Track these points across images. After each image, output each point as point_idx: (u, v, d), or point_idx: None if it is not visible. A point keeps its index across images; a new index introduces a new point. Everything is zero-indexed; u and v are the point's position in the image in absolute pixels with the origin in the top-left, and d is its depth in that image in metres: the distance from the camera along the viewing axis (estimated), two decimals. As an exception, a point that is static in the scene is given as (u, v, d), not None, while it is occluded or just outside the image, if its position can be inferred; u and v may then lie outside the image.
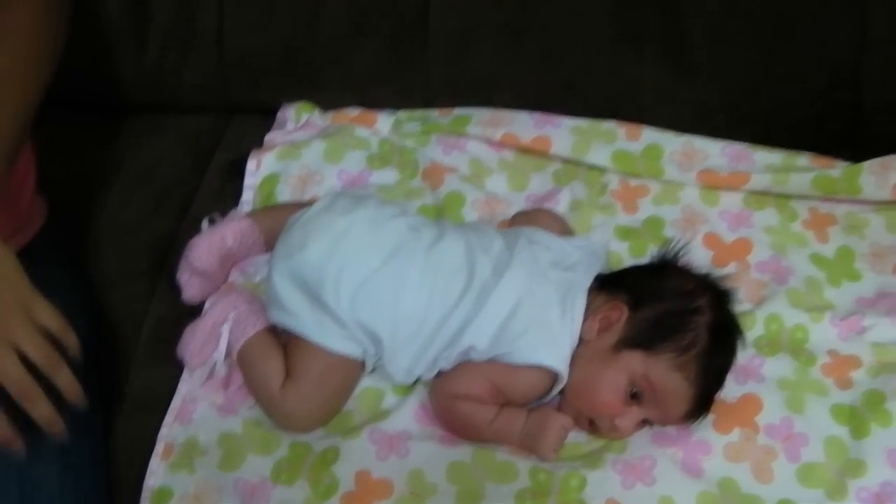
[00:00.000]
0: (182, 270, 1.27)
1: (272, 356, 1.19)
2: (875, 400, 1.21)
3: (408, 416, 1.20)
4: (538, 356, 1.16)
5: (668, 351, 1.15)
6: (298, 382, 1.17)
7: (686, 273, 1.23)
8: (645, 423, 1.18)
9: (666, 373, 1.14)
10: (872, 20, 1.44)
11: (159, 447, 1.19)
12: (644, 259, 1.32)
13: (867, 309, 1.30)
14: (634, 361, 1.15)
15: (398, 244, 1.20)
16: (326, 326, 1.17)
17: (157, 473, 1.17)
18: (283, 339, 1.21)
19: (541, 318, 1.17)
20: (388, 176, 1.42)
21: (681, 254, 1.26)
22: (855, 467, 1.16)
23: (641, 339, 1.16)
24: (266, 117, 1.49)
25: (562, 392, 1.19)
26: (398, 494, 1.13)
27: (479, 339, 1.16)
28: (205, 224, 1.30)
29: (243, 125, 1.52)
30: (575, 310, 1.19)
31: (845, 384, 1.23)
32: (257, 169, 1.42)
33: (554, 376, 1.17)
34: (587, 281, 1.22)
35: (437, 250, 1.21)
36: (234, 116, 1.54)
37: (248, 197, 1.40)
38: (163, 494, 1.15)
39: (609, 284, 1.22)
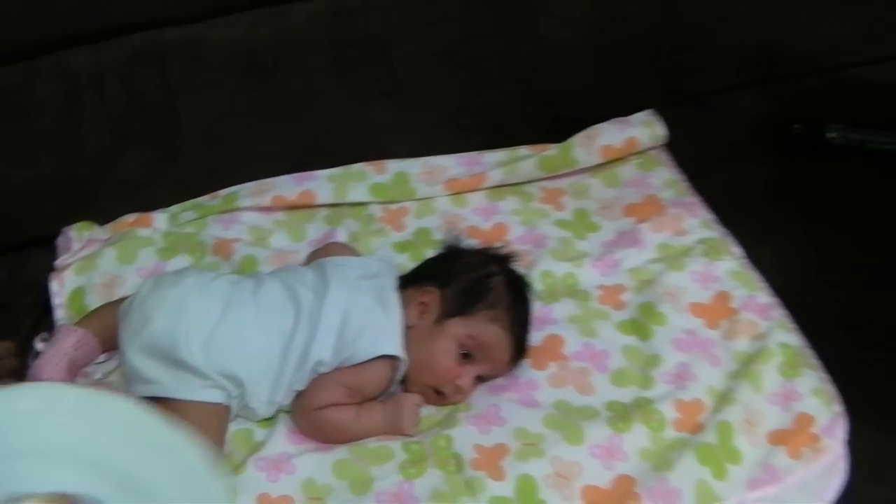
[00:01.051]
0: None
1: None
2: (647, 309, 1.48)
3: (281, 441, 1.32)
4: (377, 348, 1.33)
5: (480, 310, 1.36)
6: None
7: (471, 250, 1.46)
8: (479, 379, 1.37)
9: (485, 327, 1.35)
10: (543, 34, 1.75)
11: None
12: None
13: (614, 248, 1.57)
14: (457, 327, 1.35)
15: (227, 297, 1.34)
16: (189, 383, 1.28)
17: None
18: None
19: (369, 319, 1.35)
20: (182, 261, 1.53)
21: (459, 240, 1.48)
22: (652, 361, 1.41)
23: (456, 307, 1.36)
24: (49, 247, 1.56)
25: (405, 378, 1.37)
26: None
27: (324, 353, 1.32)
28: (39, 345, 1.36)
29: (31, 261, 1.57)
30: (392, 305, 1.37)
31: (620, 306, 1.50)
32: (61, 288, 1.50)
33: (394, 362, 1.34)
34: (393, 282, 1.41)
35: (261, 294, 1.36)
36: (20, 253, 1.58)
37: (60, 315, 1.47)
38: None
39: (412, 280, 1.43)
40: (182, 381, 1.29)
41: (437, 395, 1.36)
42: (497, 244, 1.52)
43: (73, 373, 1.36)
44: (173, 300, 1.32)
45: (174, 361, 1.29)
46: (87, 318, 1.42)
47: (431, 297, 1.38)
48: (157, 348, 1.30)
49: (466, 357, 1.36)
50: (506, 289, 1.39)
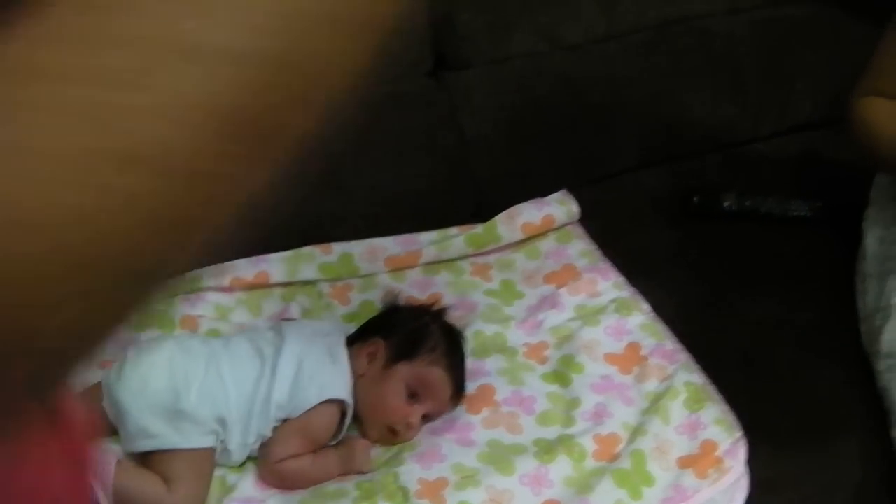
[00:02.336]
0: None
1: (143, 474, 1.45)
2: (567, 360, 1.66)
3: (249, 486, 1.49)
4: (326, 392, 1.51)
5: (422, 353, 1.55)
6: (180, 482, 1.43)
7: (409, 306, 1.67)
8: (426, 417, 1.55)
9: (428, 368, 1.54)
10: (465, 129, 1.98)
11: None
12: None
13: (536, 311, 1.77)
14: (403, 370, 1.54)
15: (206, 352, 1.53)
16: (188, 432, 1.45)
17: None
18: (142, 459, 1.48)
19: (319, 368, 1.53)
20: (153, 334, 1.69)
21: (397, 299, 1.68)
22: (572, 403, 1.60)
23: (401, 353, 1.56)
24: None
25: (361, 423, 1.55)
26: (265, 540, 1.42)
27: (280, 396, 1.50)
28: None
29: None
30: (341, 357, 1.56)
31: (543, 360, 1.68)
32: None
33: (342, 407, 1.52)
34: (342, 339, 1.61)
35: (231, 349, 1.55)
36: None
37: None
38: None
39: (359, 336, 1.62)
40: (182, 431, 1.45)
41: (391, 434, 1.54)
42: (431, 303, 1.71)
43: None
44: (164, 361, 1.50)
45: (175, 413, 1.46)
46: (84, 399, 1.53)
47: (377, 346, 1.57)
48: (161, 404, 1.46)
49: (413, 397, 1.54)
50: (442, 336, 1.59)
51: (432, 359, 1.55)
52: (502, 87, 2.00)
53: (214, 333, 1.70)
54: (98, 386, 1.53)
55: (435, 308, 1.66)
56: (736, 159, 2.12)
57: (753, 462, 1.52)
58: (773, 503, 1.52)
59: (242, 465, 1.52)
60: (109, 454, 1.46)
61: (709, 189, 1.98)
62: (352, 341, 1.61)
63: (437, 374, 1.55)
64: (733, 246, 1.91)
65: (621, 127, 2.07)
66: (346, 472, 1.51)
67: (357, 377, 1.55)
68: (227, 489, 1.49)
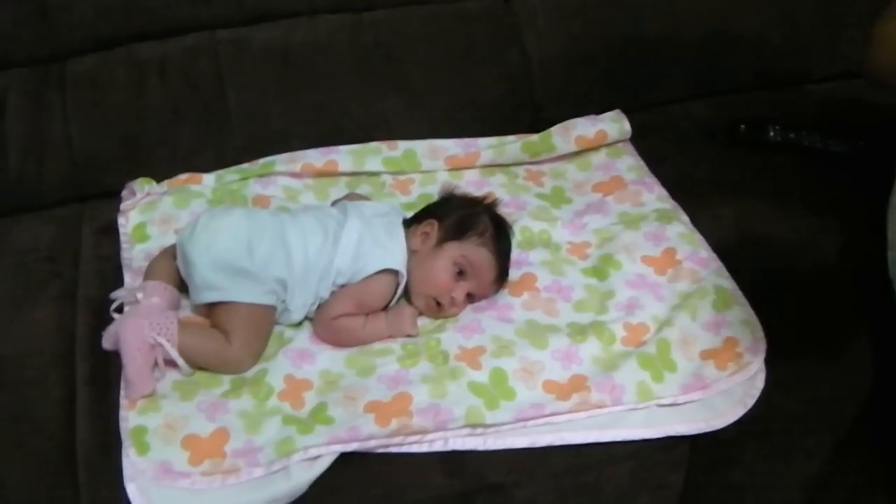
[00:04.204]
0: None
1: (205, 330, 1.60)
2: (606, 258, 1.79)
3: (304, 340, 1.64)
4: (383, 262, 1.65)
5: (472, 236, 1.69)
6: (239, 335, 1.58)
7: (463, 196, 1.81)
8: (469, 296, 1.69)
9: (476, 249, 1.68)
10: (528, 48, 2.10)
11: (124, 402, 1.52)
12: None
13: (582, 215, 1.90)
14: (452, 249, 1.68)
15: (271, 222, 1.68)
16: (249, 288, 1.60)
17: (128, 418, 1.50)
18: (208, 313, 1.63)
19: (378, 242, 1.67)
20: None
21: (452, 188, 1.83)
22: (607, 295, 1.72)
23: (452, 234, 1.70)
24: (113, 198, 1.88)
25: (410, 293, 1.69)
26: (317, 386, 1.57)
27: (342, 263, 1.65)
28: (137, 296, 1.63)
29: (97, 207, 1.91)
30: (397, 235, 1.71)
31: (584, 257, 1.81)
32: (126, 222, 1.83)
33: (396, 277, 1.66)
34: (399, 219, 1.75)
35: (297, 221, 1.69)
36: (87, 202, 1.93)
37: (125, 240, 1.80)
38: (139, 431, 1.48)
39: (415, 219, 1.76)
40: (244, 288, 1.60)
41: (436, 306, 1.68)
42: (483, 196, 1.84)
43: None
44: (232, 224, 1.65)
45: (239, 270, 1.60)
46: (160, 261, 1.70)
47: (431, 227, 1.71)
48: (225, 261, 1.61)
49: (461, 275, 1.67)
50: (491, 223, 1.72)
51: (481, 241, 1.69)
52: (566, 11, 2.13)
53: (284, 211, 1.85)
54: (173, 246, 1.70)
55: (487, 200, 1.80)
56: (783, 98, 2.22)
57: (771, 363, 1.63)
58: (785, 402, 1.62)
59: (300, 323, 1.67)
60: (173, 314, 1.60)
61: (756, 120, 2.08)
62: (408, 223, 1.75)
63: (483, 256, 1.68)
64: (773, 174, 2.01)
65: (675, 58, 2.18)
66: (393, 335, 1.65)
67: (411, 252, 1.69)
68: (284, 342, 1.63)
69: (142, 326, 1.53)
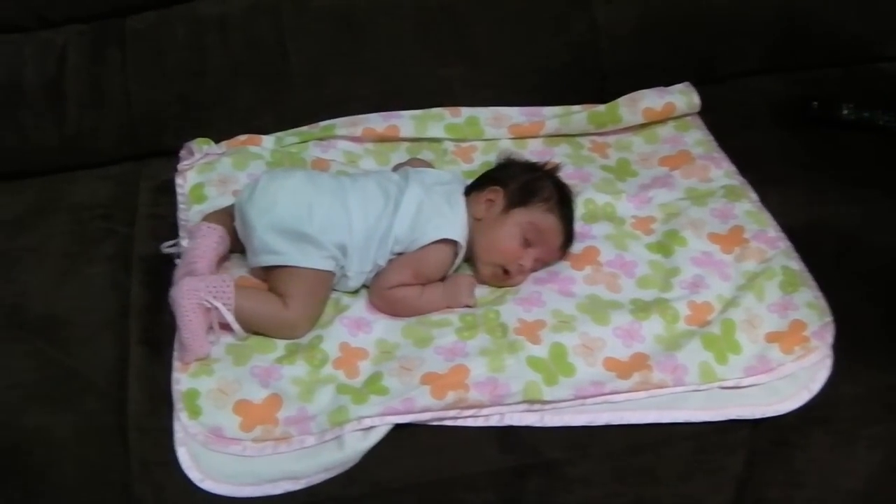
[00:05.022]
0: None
1: (261, 294, 1.58)
2: (671, 234, 1.74)
3: (361, 308, 1.62)
4: (441, 232, 1.62)
5: (538, 202, 1.66)
6: (296, 299, 1.55)
7: (524, 161, 1.78)
8: (537, 262, 1.65)
9: (543, 215, 1.65)
10: (596, 16, 2.04)
11: (176, 364, 1.51)
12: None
13: (648, 188, 1.84)
14: (520, 215, 1.64)
15: (332, 185, 1.65)
16: (310, 253, 1.57)
17: (181, 381, 1.49)
18: (265, 277, 1.61)
19: (437, 211, 1.64)
20: (284, 170, 1.84)
21: (511, 154, 1.79)
22: (672, 272, 1.68)
23: (518, 200, 1.66)
24: (170, 157, 1.86)
25: (476, 262, 1.66)
26: (373, 355, 1.55)
27: (400, 231, 1.61)
28: (184, 242, 1.63)
29: (154, 165, 1.89)
30: (458, 204, 1.67)
31: (649, 232, 1.77)
32: (184, 182, 1.81)
33: (455, 248, 1.63)
34: (460, 188, 1.71)
35: (358, 185, 1.66)
36: (143, 161, 1.91)
37: (182, 200, 1.78)
38: (191, 395, 1.47)
39: (476, 185, 1.72)
40: (304, 252, 1.57)
41: (504, 274, 1.64)
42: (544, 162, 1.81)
43: (219, 265, 1.63)
44: (292, 187, 1.62)
45: (299, 235, 1.57)
46: (216, 217, 1.67)
47: (496, 194, 1.67)
48: (284, 225, 1.58)
49: (528, 243, 1.64)
50: (555, 189, 1.69)
51: (547, 207, 1.66)
52: (637, -22, 2.07)
53: (343, 174, 1.82)
54: (231, 207, 1.67)
55: (548, 166, 1.76)
56: (857, 75, 2.15)
57: (839, 349, 1.58)
58: (851, 389, 1.57)
59: (357, 291, 1.64)
60: (229, 277, 1.57)
61: (828, 97, 2.01)
62: (468, 191, 1.71)
63: (550, 222, 1.65)
64: (845, 153, 1.94)
65: (748, 31, 2.11)
66: (450, 306, 1.62)
67: (475, 220, 1.66)
68: (341, 309, 1.61)
69: (198, 289, 1.51)
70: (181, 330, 1.50)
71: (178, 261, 1.62)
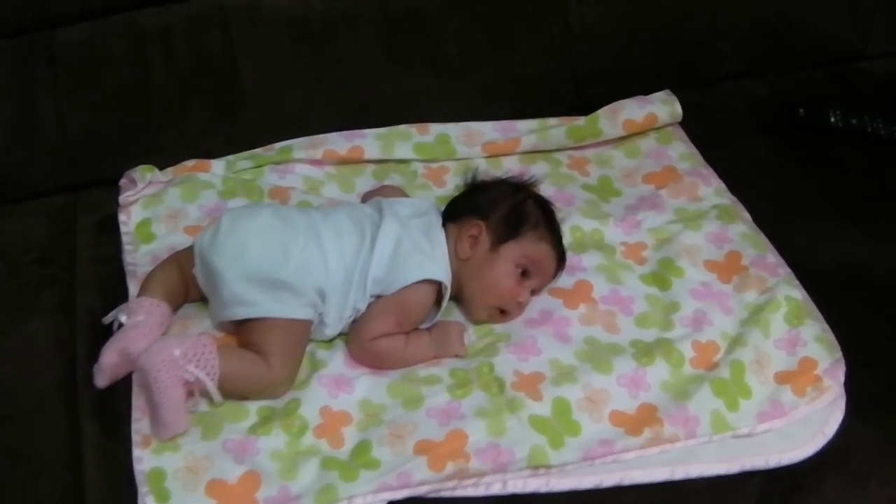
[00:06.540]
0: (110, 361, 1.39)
1: (242, 354, 1.41)
2: (666, 263, 1.63)
3: (339, 363, 1.46)
4: (423, 272, 1.48)
5: (527, 231, 1.52)
6: (277, 356, 1.39)
7: (497, 181, 1.63)
8: (533, 292, 1.54)
9: (535, 245, 1.52)
10: (572, 20, 1.91)
11: (136, 438, 1.35)
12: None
13: (635, 210, 1.72)
14: (511, 250, 1.51)
15: (304, 222, 1.48)
16: (286, 302, 1.41)
17: (143, 459, 1.33)
18: (234, 329, 1.45)
19: (417, 247, 1.49)
20: (241, 202, 1.66)
21: (478, 175, 1.65)
22: (671, 307, 1.57)
23: (506, 233, 1.52)
24: (111, 187, 1.68)
25: (464, 305, 1.53)
26: (357, 419, 1.40)
27: (378, 270, 1.46)
28: (123, 318, 1.42)
29: (92, 197, 1.70)
30: (438, 238, 1.53)
31: (642, 261, 1.65)
32: (128, 219, 1.63)
33: (437, 288, 1.49)
34: (439, 219, 1.57)
35: (330, 221, 1.50)
36: (80, 192, 1.72)
37: (128, 240, 1.60)
38: (156, 475, 1.31)
39: (450, 216, 1.57)
40: (281, 301, 1.41)
41: (500, 314, 1.52)
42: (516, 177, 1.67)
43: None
44: (261, 227, 1.45)
45: (274, 282, 1.41)
46: (163, 276, 1.49)
47: (478, 229, 1.53)
48: (258, 272, 1.42)
49: (524, 275, 1.51)
50: (539, 209, 1.56)
51: (537, 234, 1.53)
52: (613, -20, 1.94)
53: (306, 206, 1.66)
54: (189, 251, 1.50)
55: (523, 182, 1.62)
56: (841, 76, 2.06)
57: (851, 385, 1.49)
58: (864, 430, 1.48)
59: (332, 340, 1.49)
60: (209, 338, 1.39)
61: (815, 103, 1.91)
62: (444, 220, 1.57)
63: (543, 250, 1.53)
64: (836, 164, 1.85)
65: (728, 32, 2.01)
66: (439, 356, 1.48)
67: (461, 262, 1.52)
68: (317, 365, 1.46)
69: (174, 358, 1.34)
70: (158, 407, 1.33)
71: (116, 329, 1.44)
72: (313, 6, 1.80)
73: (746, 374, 1.47)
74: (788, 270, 1.62)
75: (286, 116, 1.79)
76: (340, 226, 1.50)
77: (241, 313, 1.43)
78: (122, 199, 1.66)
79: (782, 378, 1.48)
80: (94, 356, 1.42)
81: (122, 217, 1.63)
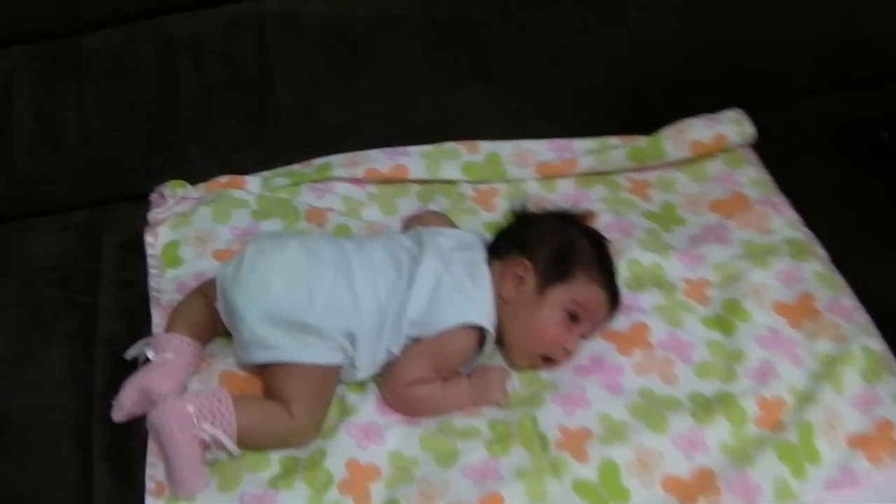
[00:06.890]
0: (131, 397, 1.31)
1: (261, 404, 1.32)
2: (731, 305, 1.49)
3: (371, 410, 1.35)
4: (465, 315, 1.36)
5: (577, 272, 1.40)
6: (301, 404, 1.29)
7: (545, 215, 1.50)
8: (582, 337, 1.42)
9: (585, 288, 1.40)
10: (633, 29, 1.78)
11: (150, 485, 1.26)
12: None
13: (700, 242, 1.59)
14: (559, 294, 1.39)
15: (335, 257, 1.37)
16: (311, 345, 1.31)
17: (156, 510, 1.24)
18: (258, 370, 1.35)
19: (458, 287, 1.38)
20: (275, 224, 1.57)
21: (526, 206, 1.52)
22: (735, 356, 1.43)
23: (554, 275, 1.40)
24: (139, 201, 1.60)
25: (505, 349, 1.41)
26: (387, 474, 1.29)
27: (416, 312, 1.35)
28: (150, 354, 1.34)
29: (119, 212, 1.62)
30: (482, 278, 1.41)
31: (704, 300, 1.51)
32: (155, 240, 1.54)
33: (479, 334, 1.37)
34: (483, 254, 1.45)
35: (364, 254, 1.39)
36: (107, 206, 1.64)
37: (153, 264, 1.52)
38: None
39: (495, 252, 1.45)
40: (306, 345, 1.32)
41: (544, 361, 1.40)
42: (563, 206, 1.56)
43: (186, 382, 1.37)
44: (286, 264, 1.35)
45: (298, 325, 1.32)
46: (191, 312, 1.40)
47: (524, 268, 1.41)
48: (280, 314, 1.32)
49: (573, 320, 1.40)
50: (591, 247, 1.44)
51: (589, 277, 1.41)
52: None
53: (344, 230, 1.56)
54: (212, 283, 1.40)
55: (573, 214, 1.51)
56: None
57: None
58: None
59: (363, 383, 1.39)
60: (223, 392, 1.29)
61: (896, 124, 1.76)
62: (489, 255, 1.46)
63: (594, 293, 1.41)
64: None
65: (803, 46, 1.86)
66: (478, 404, 1.37)
67: (504, 303, 1.40)
68: (346, 411, 1.35)
69: (188, 415, 1.24)
70: (172, 466, 1.24)
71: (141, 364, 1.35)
72: (354, 11, 1.71)
73: (815, 437, 1.34)
74: (866, 317, 1.48)
75: (323, 131, 1.70)
76: (375, 260, 1.39)
77: (262, 357, 1.33)
78: (150, 216, 1.57)
79: (855, 442, 1.35)
80: (111, 389, 1.35)
81: (148, 238, 1.55)
